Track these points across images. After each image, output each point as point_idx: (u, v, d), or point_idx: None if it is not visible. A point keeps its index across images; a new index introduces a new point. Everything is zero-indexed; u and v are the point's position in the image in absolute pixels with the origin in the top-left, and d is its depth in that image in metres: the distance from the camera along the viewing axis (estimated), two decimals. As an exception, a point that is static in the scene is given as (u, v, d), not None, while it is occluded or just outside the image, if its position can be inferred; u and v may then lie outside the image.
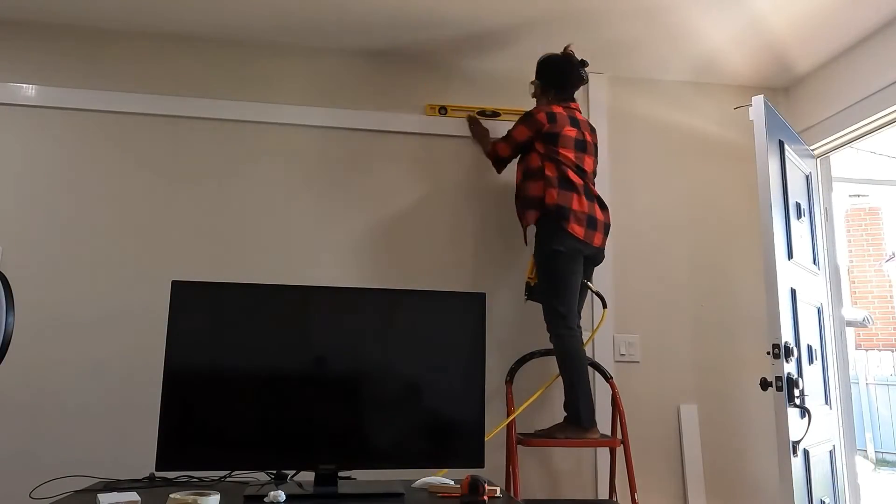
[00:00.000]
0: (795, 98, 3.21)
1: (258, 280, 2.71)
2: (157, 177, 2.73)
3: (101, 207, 2.67)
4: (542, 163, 2.50)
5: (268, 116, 2.82)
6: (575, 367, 2.41)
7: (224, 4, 2.60)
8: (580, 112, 2.62)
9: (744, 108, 3.19)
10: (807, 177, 2.93)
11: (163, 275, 2.66)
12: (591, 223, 2.47)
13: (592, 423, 2.40)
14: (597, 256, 2.57)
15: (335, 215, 2.81)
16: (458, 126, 2.95)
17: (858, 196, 9.95)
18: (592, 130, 2.63)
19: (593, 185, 2.57)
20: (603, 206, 2.55)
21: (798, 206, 2.70)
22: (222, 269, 2.70)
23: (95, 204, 2.67)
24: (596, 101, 3.08)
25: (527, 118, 2.55)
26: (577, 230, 2.43)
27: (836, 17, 2.64)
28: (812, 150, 3.08)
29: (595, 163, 2.61)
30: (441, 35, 2.80)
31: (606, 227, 2.55)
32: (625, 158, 3.08)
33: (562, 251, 2.42)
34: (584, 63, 2.63)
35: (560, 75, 2.62)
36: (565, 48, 2.66)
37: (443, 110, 2.96)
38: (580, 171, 2.51)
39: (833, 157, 3.12)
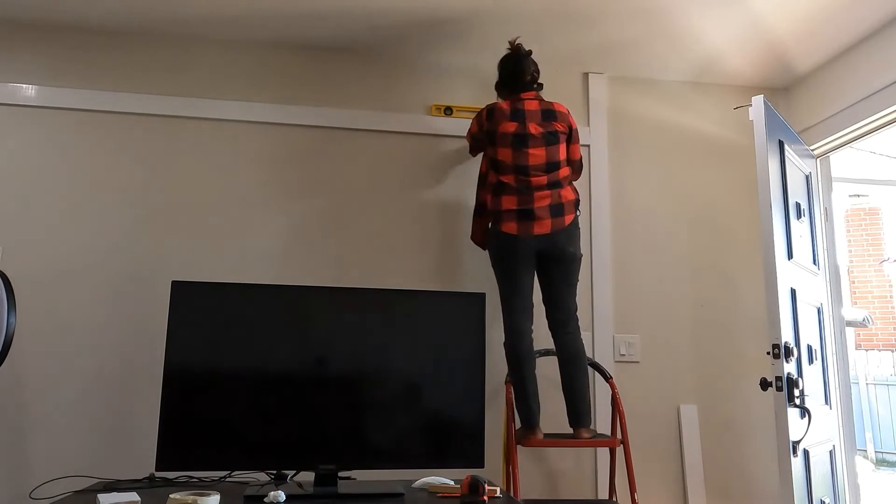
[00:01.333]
0: (795, 98, 3.21)
1: (259, 280, 2.71)
2: (158, 176, 2.73)
3: (101, 207, 2.67)
4: (487, 169, 2.57)
5: (269, 117, 2.82)
6: (512, 370, 2.39)
7: (227, 6, 2.59)
8: (536, 101, 2.50)
9: (744, 108, 3.19)
10: (807, 177, 2.93)
11: (163, 275, 2.66)
12: (526, 215, 2.38)
13: (530, 424, 2.36)
14: (553, 246, 2.38)
15: (336, 215, 2.81)
16: (463, 126, 2.95)
17: (858, 196, 9.96)
18: (550, 118, 2.48)
19: (544, 173, 2.42)
20: (553, 186, 2.41)
21: (798, 206, 2.70)
22: (223, 270, 2.70)
23: (95, 204, 2.67)
24: (596, 101, 3.08)
25: (476, 114, 2.63)
26: (510, 226, 2.39)
27: (836, 17, 2.64)
28: (812, 150, 3.08)
29: (550, 153, 2.44)
30: (446, 36, 2.80)
31: (554, 208, 2.39)
32: (624, 158, 3.07)
33: (494, 252, 2.44)
34: (527, 53, 2.57)
35: (501, 72, 2.60)
36: (511, 42, 2.60)
37: (448, 111, 2.96)
38: (518, 169, 2.43)
39: (833, 157, 3.12)
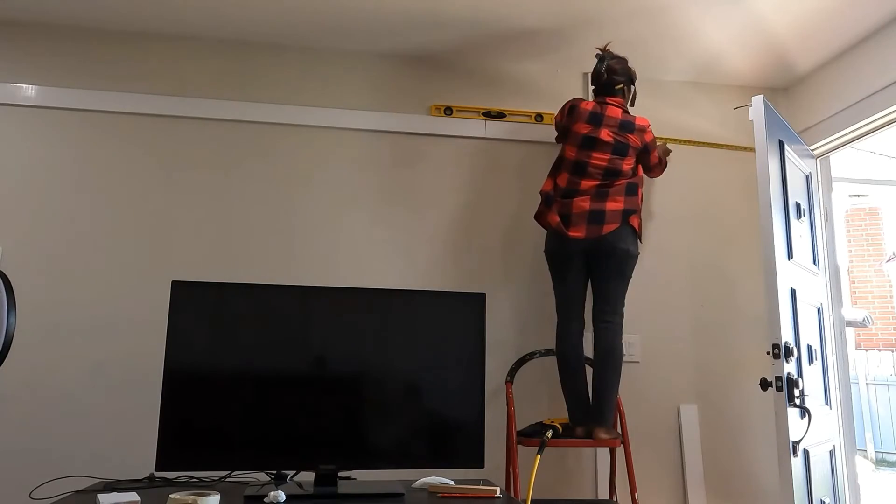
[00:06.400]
0: (795, 98, 3.21)
1: (260, 281, 2.71)
2: (158, 177, 2.73)
3: (102, 207, 2.67)
4: (558, 161, 2.64)
5: (268, 117, 2.82)
6: (559, 370, 2.52)
7: (225, 5, 2.59)
8: (619, 109, 2.56)
9: (744, 108, 3.19)
10: (807, 177, 2.93)
11: (163, 275, 2.66)
12: (566, 217, 2.48)
13: (578, 422, 2.44)
14: (601, 244, 2.44)
15: (334, 215, 2.81)
16: (463, 126, 2.95)
17: (858, 196, 9.96)
18: (627, 129, 2.53)
19: (599, 178, 2.49)
20: (600, 194, 2.47)
21: (798, 206, 2.70)
22: (224, 270, 2.70)
23: (96, 204, 2.67)
24: (596, 101, 3.08)
25: (562, 106, 2.70)
26: (552, 218, 2.49)
27: (836, 17, 2.64)
28: (812, 150, 3.08)
29: (614, 161, 2.50)
30: (446, 36, 2.80)
31: (592, 215, 2.44)
32: (625, 158, 3.07)
33: (546, 250, 2.58)
34: (601, 59, 2.64)
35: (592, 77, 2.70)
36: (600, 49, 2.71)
37: (448, 111, 2.96)
38: (575, 167, 2.52)
39: (833, 157, 3.12)
